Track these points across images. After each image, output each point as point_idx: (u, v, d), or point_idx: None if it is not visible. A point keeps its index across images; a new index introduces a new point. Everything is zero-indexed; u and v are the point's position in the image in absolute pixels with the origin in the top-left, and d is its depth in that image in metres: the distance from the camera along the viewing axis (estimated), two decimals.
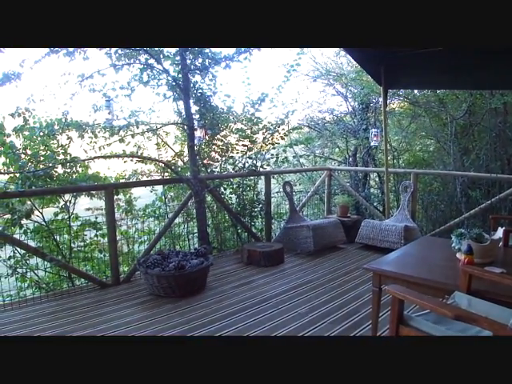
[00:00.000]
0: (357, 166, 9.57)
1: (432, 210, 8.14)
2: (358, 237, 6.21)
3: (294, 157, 8.46)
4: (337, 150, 10.61)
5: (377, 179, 9.85)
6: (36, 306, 4.38)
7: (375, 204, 9.11)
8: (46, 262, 5.00)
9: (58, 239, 5.36)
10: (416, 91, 9.01)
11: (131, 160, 5.98)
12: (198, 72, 5.71)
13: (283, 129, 6.70)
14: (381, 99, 6.62)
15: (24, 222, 4.89)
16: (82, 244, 5.53)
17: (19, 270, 5.11)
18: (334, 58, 10.13)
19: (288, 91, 6.88)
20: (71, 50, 4.53)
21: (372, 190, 9.72)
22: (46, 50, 4.33)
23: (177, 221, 6.02)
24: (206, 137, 5.88)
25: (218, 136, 6.30)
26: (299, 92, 6.93)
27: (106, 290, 4.79)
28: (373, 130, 6.77)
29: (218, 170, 6.54)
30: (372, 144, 7.26)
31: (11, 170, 4.80)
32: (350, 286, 4.67)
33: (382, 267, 3.19)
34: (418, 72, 5.25)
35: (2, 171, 4.76)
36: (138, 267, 4.70)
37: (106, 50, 5.14)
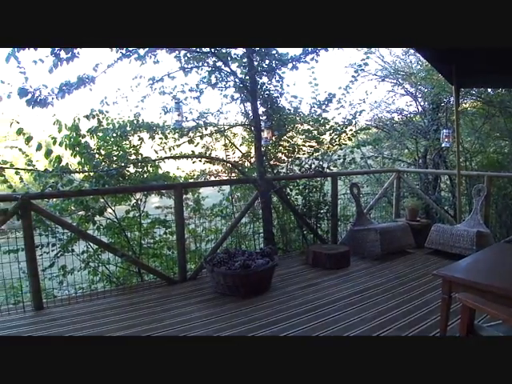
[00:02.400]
0: (427, 168, 9.25)
1: (507, 215, 7.72)
2: (428, 241, 5.97)
3: (361, 158, 8.30)
4: (406, 151, 10.31)
5: (448, 182, 9.48)
6: (106, 299, 4.58)
7: (446, 208, 8.75)
8: (117, 258, 5.23)
9: (129, 236, 5.56)
10: (490, 90, 8.61)
11: (200, 160, 6.12)
12: (264, 73, 5.74)
13: (351, 129, 6.59)
14: (452, 98, 6.39)
15: (97, 218, 5.10)
16: (152, 241, 5.72)
17: (91, 264, 5.37)
18: (403, 56, 9.89)
19: (355, 91, 6.78)
20: (142, 53, 4.67)
21: (443, 193, 9.37)
22: (119, 54, 4.48)
23: (243, 221, 6.08)
24: (273, 138, 5.89)
25: (285, 137, 6.32)
26: (367, 92, 6.74)
27: (172, 287, 4.91)
28: (444, 130, 6.51)
29: (284, 170, 6.55)
30: (443, 145, 6.98)
31: (86, 169, 5.00)
32: (417, 292, 4.49)
33: (452, 274, 3.06)
34: (493, 70, 5.00)
35: (78, 170, 4.97)
36: (205, 265, 4.79)
37: (176, 53, 5.28)
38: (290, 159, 6.50)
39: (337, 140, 6.48)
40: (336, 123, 6.47)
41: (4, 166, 4.33)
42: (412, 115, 10.07)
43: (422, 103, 9.86)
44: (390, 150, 10.47)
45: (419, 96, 9.83)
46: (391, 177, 7.57)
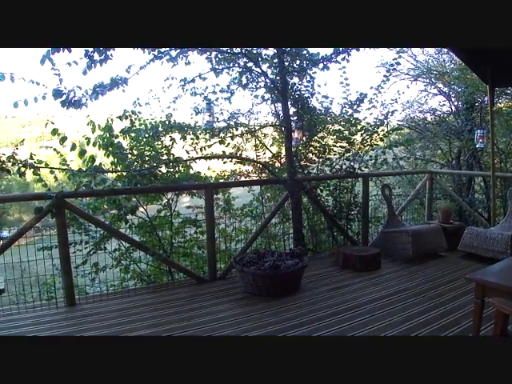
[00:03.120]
0: (460, 169, 9.08)
1: None
2: (461, 244, 5.82)
3: (393, 159, 8.20)
4: (439, 152, 10.13)
5: (482, 184, 9.27)
6: (136, 297, 4.64)
7: (480, 210, 8.55)
8: (148, 256, 5.29)
9: (160, 235, 5.62)
10: None
11: (230, 161, 6.15)
12: (295, 74, 5.73)
13: (382, 130, 6.52)
14: (487, 98, 6.24)
15: (129, 217, 5.16)
16: (182, 240, 5.78)
17: (123, 262, 5.48)
18: (436, 55, 9.72)
19: (387, 91, 6.70)
20: (174, 55, 4.72)
21: (477, 195, 9.18)
22: (151, 55, 4.54)
23: (273, 221, 6.09)
24: (304, 138, 5.87)
25: (316, 137, 6.29)
26: (399, 92, 6.65)
27: (202, 286, 4.94)
28: (478, 131, 6.34)
29: (314, 171, 6.53)
30: (477, 146, 6.81)
31: (118, 168, 5.08)
32: (449, 296, 4.37)
33: (486, 278, 2.99)
34: None
35: (111, 170, 5.05)
36: (234, 265, 4.80)
37: (207, 54, 5.32)
38: (320, 160, 6.47)
39: (368, 140, 6.42)
40: (367, 123, 6.42)
41: (39, 165, 4.43)
42: (445, 115, 9.90)
43: (455, 103, 9.69)
44: (423, 151, 10.31)
45: (453, 96, 9.65)
46: (424, 178, 7.44)
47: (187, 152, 5.74)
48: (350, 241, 6.38)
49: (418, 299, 4.31)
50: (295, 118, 5.69)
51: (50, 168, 4.61)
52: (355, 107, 6.20)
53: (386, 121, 6.51)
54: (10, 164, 4.22)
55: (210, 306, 4.27)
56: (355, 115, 6.30)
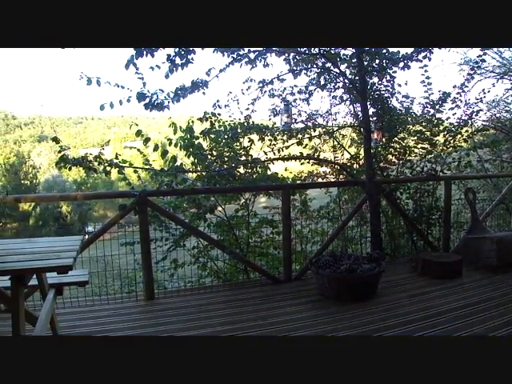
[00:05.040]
0: None
1: None
2: None
3: (477, 161, 7.81)
4: None
5: None
6: (213, 294, 4.76)
7: None
8: (224, 254, 5.39)
9: (237, 234, 5.71)
10: None
11: (308, 162, 6.12)
12: (375, 73, 5.62)
13: (466, 131, 6.25)
14: None
15: (208, 216, 5.31)
16: (259, 240, 5.84)
17: (201, 260, 5.60)
18: None
19: (471, 90, 6.40)
20: (252, 57, 4.77)
21: None
22: (230, 58, 4.63)
23: (350, 224, 6.00)
24: (383, 139, 5.74)
25: (396, 138, 6.13)
26: (484, 90, 6.32)
27: (277, 286, 4.96)
28: None
29: (394, 173, 6.36)
30: None
31: (199, 168, 5.22)
32: None
33: None
34: None
35: (191, 170, 5.19)
36: (310, 267, 4.78)
37: (285, 56, 5.33)
38: (400, 161, 6.30)
39: (451, 142, 6.17)
40: (450, 124, 6.18)
41: (124, 164, 4.63)
42: None
43: None
44: (510, 153, 9.75)
45: None
46: (510, 182, 7.04)
47: (265, 153, 5.78)
48: (430, 246, 6.15)
49: (501, 310, 4.04)
50: (374, 118, 5.57)
51: (134, 167, 4.82)
52: (437, 107, 5.97)
53: (470, 121, 6.23)
54: (96, 163, 4.45)
55: (285, 307, 4.28)
56: (437, 115, 6.08)
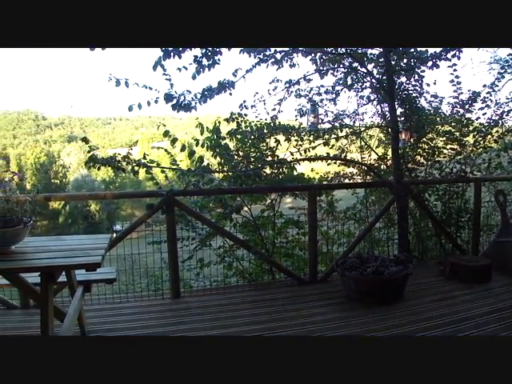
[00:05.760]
0: None
1: None
2: None
3: (508, 162, 7.63)
4: None
5: None
6: (238, 294, 4.78)
7: None
8: (250, 254, 5.40)
9: (263, 234, 5.72)
10: None
11: (334, 162, 6.09)
12: (402, 73, 5.56)
13: (497, 131, 6.11)
14: None
15: (234, 216, 5.34)
16: (284, 240, 5.84)
17: (227, 259, 5.65)
18: None
19: (502, 89, 6.27)
20: (279, 57, 4.78)
21: None
22: (257, 59, 4.64)
23: (377, 225, 5.93)
24: (411, 140, 5.67)
25: (424, 139, 6.06)
26: None
27: (303, 287, 4.94)
28: None
29: (422, 174, 6.27)
30: None
31: (225, 169, 5.24)
32: None
33: None
34: None
35: (217, 170, 5.22)
36: (336, 269, 4.74)
37: (312, 56, 5.32)
38: (429, 162, 6.21)
39: (481, 142, 6.06)
40: (480, 124, 6.06)
41: (151, 164, 4.69)
42: None
43: None
44: None
45: None
46: None
47: (291, 153, 5.77)
48: (458, 249, 6.03)
49: None
50: (402, 118, 5.52)
51: (162, 167, 4.86)
52: (467, 107, 5.88)
53: (500, 121, 6.07)
54: (124, 163, 4.52)
55: (310, 308, 4.26)
56: (467, 115, 5.98)
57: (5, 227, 2.50)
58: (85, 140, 4.42)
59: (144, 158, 4.65)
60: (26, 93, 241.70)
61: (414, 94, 5.72)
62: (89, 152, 4.40)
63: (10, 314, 4.16)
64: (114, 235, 4.56)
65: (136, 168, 4.56)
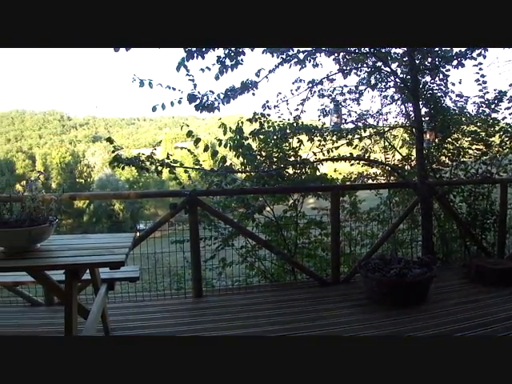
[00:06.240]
0: None
1: None
2: None
3: None
4: None
5: None
6: (260, 294, 4.78)
7: None
8: (272, 255, 5.39)
9: (285, 234, 5.71)
10: None
11: (358, 163, 6.05)
12: (427, 72, 5.50)
13: None
14: None
15: (256, 216, 5.33)
16: (307, 241, 5.81)
17: (249, 259, 5.67)
18: None
19: None
20: (302, 57, 4.77)
21: None
22: (280, 59, 4.63)
23: (401, 227, 5.88)
24: (436, 140, 5.59)
25: (449, 139, 5.97)
26: None
27: (325, 288, 4.92)
28: None
29: (447, 175, 6.18)
30: None
31: (248, 169, 5.25)
32: None
33: None
34: None
35: (240, 170, 5.23)
36: (359, 270, 4.72)
37: (335, 55, 5.29)
38: (454, 163, 6.12)
39: (507, 143, 5.94)
40: (507, 124, 5.93)
41: (175, 164, 4.72)
42: None
43: None
44: None
45: None
46: None
47: (314, 154, 5.74)
48: (484, 252, 5.92)
49: None
50: (427, 118, 5.46)
51: (185, 167, 4.89)
52: (493, 106, 5.75)
53: None
54: (148, 163, 4.56)
55: (333, 310, 4.24)
56: (493, 115, 5.85)
57: (31, 225, 2.54)
58: (109, 140, 4.48)
59: (167, 157, 4.68)
60: (52, 94, 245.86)
61: (438, 94, 5.64)
62: (113, 152, 4.45)
63: (34, 310, 4.26)
64: (138, 234, 4.60)
65: (159, 168, 4.60)
